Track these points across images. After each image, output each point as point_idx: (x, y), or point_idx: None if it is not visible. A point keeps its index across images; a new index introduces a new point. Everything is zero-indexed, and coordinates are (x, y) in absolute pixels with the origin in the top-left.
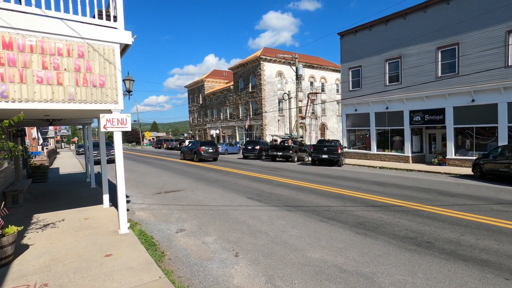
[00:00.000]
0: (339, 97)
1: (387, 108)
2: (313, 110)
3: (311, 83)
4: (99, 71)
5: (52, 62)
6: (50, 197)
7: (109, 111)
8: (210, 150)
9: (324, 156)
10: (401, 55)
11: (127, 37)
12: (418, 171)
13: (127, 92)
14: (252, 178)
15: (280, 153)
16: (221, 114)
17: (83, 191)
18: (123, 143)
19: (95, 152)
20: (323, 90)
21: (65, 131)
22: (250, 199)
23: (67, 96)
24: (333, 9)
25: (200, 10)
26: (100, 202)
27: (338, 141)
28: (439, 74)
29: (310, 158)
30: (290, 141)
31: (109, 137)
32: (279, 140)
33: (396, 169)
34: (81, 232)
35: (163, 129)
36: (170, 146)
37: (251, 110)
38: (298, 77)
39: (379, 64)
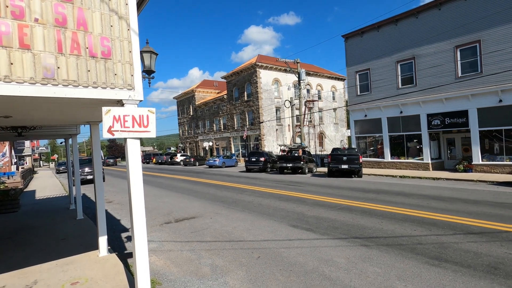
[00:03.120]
0: (335, 104)
1: (401, 112)
2: (310, 118)
3: (308, 91)
4: (101, 31)
5: (10, 5)
6: (20, 238)
7: (119, 103)
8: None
9: (344, 166)
10: (415, 56)
11: None
12: (446, 179)
13: (147, 73)
14: (276, 196)
15: (291, 165)
16: (214, 125)
17: (67, 226)
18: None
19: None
20: (319, 97)
21: (44, 148)
22: (295, 227)
23: (41, 71)
24: (312, 23)
25: (183, 26)
26: (93, 245)
27: (354, 149)
28: (459, 74)
29: (317, 169)
30: (300, 150)
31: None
32: (285, 149)
33: (420, 177)
34: None
35: (148, 143)
36: (160, 161)
37: (247, 120)
38: (301, 83)
39: (390, 66)
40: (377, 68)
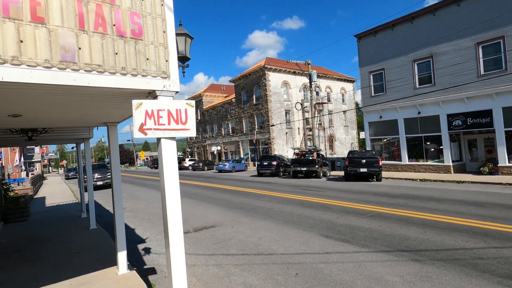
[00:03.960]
0: (345, 107)
1: (419, 113)
2: (319, 121)
3: (317, 93)
4: (130, 4)
5: None
6: (29, 252)
7: (150, 95)
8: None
9: (363, 169)
10: (433, 54)
11: None
12: (472, 182)
13: (180, 61)
14: (296, 202)
15: (305, 168)
16: (222, 129)
17: (80, 237)
18: (108, 163)
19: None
20: (329, 100)
21: (53, 154)
22: (328, 238)
23: (58, 52)
24: (315, 27)
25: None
26: (111, 260)
27: (372, 151)
28: (482, 72)
29: (331, 173)
30: (315, 154)
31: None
32: (298, 153)
33: (442, 181)
34: None
35: (154, 149)
36: None
37: (256, 123)
38: (312, 85)
39: (406, 66)
40: (392, 68)
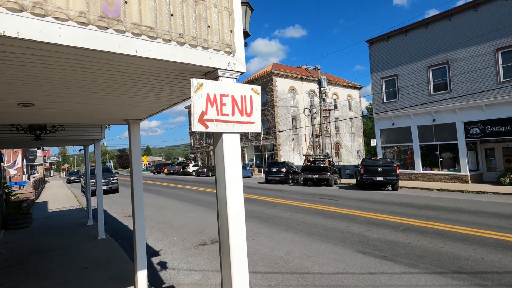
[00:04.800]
0: (352, 114)
1: (434, 120)
2: (326, 127)
3: (324, 100)
4: None
5: None
6: (33, 265)
7: (209, 75)
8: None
9: (379, 178)
10: (448, 60)
11: None
12: (493, 193)
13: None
14: (316, 212)
15: (316, 176)
16: None
17: (88, 249)
18: (115, 168)
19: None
20: (335, 106)
21: (55, 157)
22: (365, 254)
23: (98, 4)
24: (317, 35)
25: None
26: (126, 278)
27: (386, 159)
28: (501, 79)
29: (341, 181)
30: (327, 161)
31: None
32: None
33: (461, 191)
34: None
35: (155, 154)
36: (172, 171)
37: (262, 129)
38: (321, 91)
39: (420, 72)
40: (406, 74)
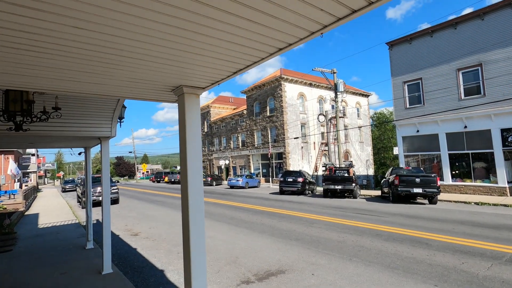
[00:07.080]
0: (360, 122)
1: (465, 127)
2: (335, 135)
3: (332, 107)
4: None
5: None
6: None
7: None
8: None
9: (417, 190)
10: (481, 62)
11: None
12: None
13: None
14: (367, 232)
15: (340, 187)
16: (231, 142)
17: None
18: (111, 176)
19: (93, 189)
20: (344, 114)
21: (50, 164)
22: None
23: None
24: (314, 47)
25: None
26: None
27: (420, 168)
28: None
29: (360, 192)
30: (351, 170)
31: (98, 170)
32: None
33: (505, 205)
34: None
35: (153, 162)
36: (173, 180)
37: (269, 137)
38: (338, 95)
39: (449, 75)
40: (432, 78)
